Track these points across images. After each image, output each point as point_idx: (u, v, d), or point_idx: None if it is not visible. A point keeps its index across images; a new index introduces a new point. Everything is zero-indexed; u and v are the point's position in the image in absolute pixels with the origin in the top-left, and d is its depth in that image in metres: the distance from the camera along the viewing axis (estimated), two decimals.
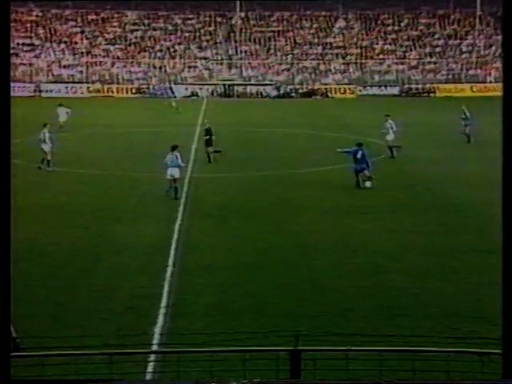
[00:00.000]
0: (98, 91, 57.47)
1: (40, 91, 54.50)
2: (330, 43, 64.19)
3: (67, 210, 17.72)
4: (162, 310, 10.95)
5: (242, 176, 22.48)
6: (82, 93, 57.31)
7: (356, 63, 61.46)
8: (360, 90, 57.11)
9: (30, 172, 22.79)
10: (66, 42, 64.22)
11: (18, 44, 63.33)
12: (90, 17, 67.11)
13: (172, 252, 14.10)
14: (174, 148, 19.52)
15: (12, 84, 56.98)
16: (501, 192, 4.14)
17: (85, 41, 64.45)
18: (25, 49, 63.01)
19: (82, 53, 62.99)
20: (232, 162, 24.82)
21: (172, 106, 44.57)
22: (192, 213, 17.54)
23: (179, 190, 19.05)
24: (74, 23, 66.50)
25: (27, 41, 63.84)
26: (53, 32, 65.27)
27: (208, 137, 24.82)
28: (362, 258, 13.75)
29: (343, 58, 62.34)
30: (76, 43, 64.21)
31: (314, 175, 22.57)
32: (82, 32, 65.43)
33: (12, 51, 61.72)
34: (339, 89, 57.47)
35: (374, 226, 16.20)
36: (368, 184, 20.21)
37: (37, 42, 63.98)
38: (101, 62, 62.01)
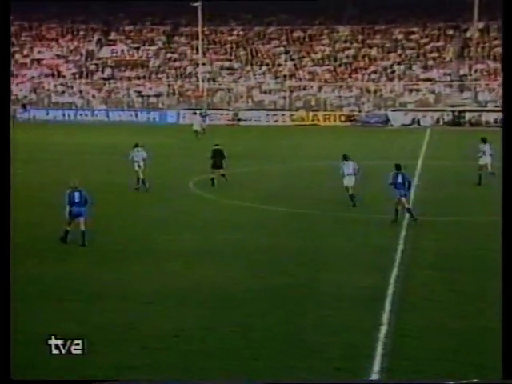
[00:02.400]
0: (302, 119, 59.34)
1: (239, 119, 57.56)
2: None
3: (268, 252, 18.35)
4: (375, 376, 10.86)
5: (472, 220, 21.74)
6: (284, 121, 59.55)
7: None
8: None
9: (231, 209, 24.07)
10: (267, 65, 67.44)
11: (218, 68, 67.79)
12: (295, 34, 69.93)
13: (387, 308, 13.94)
14: (346, 157, 24.01)
15: (210, 112, 61.13)
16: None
17: (289, 62, 67.19)
18: (223, 73, 67.24)
19: (285, 76, 65.65)
20: (464, 204, 24.16)
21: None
22: (411, 262, 17.28)
23: (354, 198, 23.68)
24: (277, 42, 69.68)
25: (226, 64, 68.10)
26: (254, 53, 68.94)
27: (215, 158, 27.96)
28: None
29: None
30: (279, 65, 67.16)
31: None
32: (287, 52, 68.32)
33: (209, 76, 66.26)
34: None
35: None
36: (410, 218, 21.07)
37: (236, 65, 67.97)
38: (306, 85, 64.12)
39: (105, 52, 71.41)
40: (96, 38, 72.76)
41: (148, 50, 71.06)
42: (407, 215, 21.55)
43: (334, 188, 27.15)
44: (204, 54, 68.02)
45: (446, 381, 4.70)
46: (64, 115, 62.70)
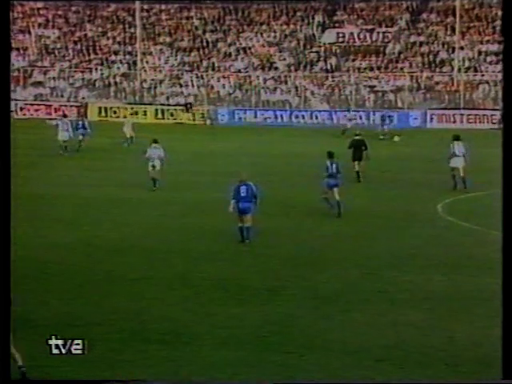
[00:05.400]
0: None
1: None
2: None
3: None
4: None
5: None
6: None
7: None
8: None
9: (497, 243, 23.50)
10: None
11: (480, 53, 66.54)
12: None
13: None
14: (457, 138, 32.11)
15: (468, 112, 60.05)
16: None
17: None
18: (489, 60, 65.94)
19: None
20: None
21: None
22: None
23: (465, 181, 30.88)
24: None
25: (494, 47, 66.77)
26: None
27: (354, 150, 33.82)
28: None
29: None
30: None
31: None
32: None
33: (468, 64, 65.23)
34: None
35: None
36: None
37: None
38: None
39: (328, 37, 72.71)
40: (317, 19, 74.35)
41: (386, 32, 71.45)
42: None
43: None
44: (463, 35, 67.15)
45: (447, 381, 5.04)
46: (276, 117, 64.48)
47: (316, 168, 37.59)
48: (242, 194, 21.69)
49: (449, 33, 68.52)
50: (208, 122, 64.09)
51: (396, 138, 51.78)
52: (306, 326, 15.75)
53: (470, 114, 59.56)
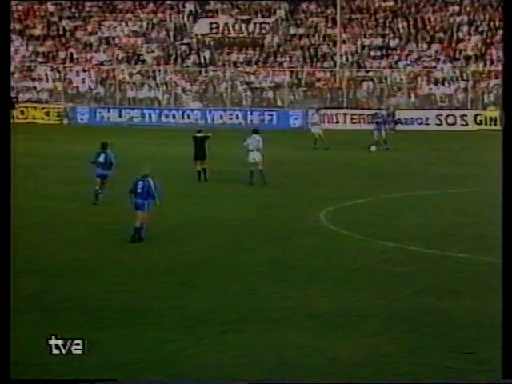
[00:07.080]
0: (493, 122, 58.04)
1: (395, 122, 57.19)
2: None
3: (431, 316, 17.86)
4: None
5: None
6: (465, 124, 58.47)
7: None
8: None
9: (384, 253, 23.79)
10: (440, 41, 66.43)
11: (364, 47, 67.37)
12: None
13: None
14: (255, 131, 34.68)
15: (352, 111, 60.81)
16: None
17: (474, 37, 66.26)
18: (373, 54, 66.94)
19: (469, 58, 64.68)
20: None
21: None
22: None
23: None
24: (456, 8, 68.78)
25: (377, 41, 67.91)
26: (420, 25, 68.16)
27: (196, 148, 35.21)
28: None
29: None
30: (458, 42, 65.99)
31: None
32: (470, 23, 67.35)
33: (351, 59, 66.12)
34: None
35: None
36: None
37: (393, 43, 67.64)
38: (500, 72, 62.77)
39: (201, 27, 72.77)
40: (188, 7, 74.33)
41: (263, 23, 71.90)
42: None
43: None
44: (344, 27, 68.09)
45: (447, 381, 5.47)
46: (143, 116, 64.18)
47: (188, 173, 37.58)
48: (138, 190, 22.88)
49: (330, 25, 69.35)
50: (65, 121, 63.30)
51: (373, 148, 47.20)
52: (177, 351, 15.62)
53: (353, 114, 60.38)
